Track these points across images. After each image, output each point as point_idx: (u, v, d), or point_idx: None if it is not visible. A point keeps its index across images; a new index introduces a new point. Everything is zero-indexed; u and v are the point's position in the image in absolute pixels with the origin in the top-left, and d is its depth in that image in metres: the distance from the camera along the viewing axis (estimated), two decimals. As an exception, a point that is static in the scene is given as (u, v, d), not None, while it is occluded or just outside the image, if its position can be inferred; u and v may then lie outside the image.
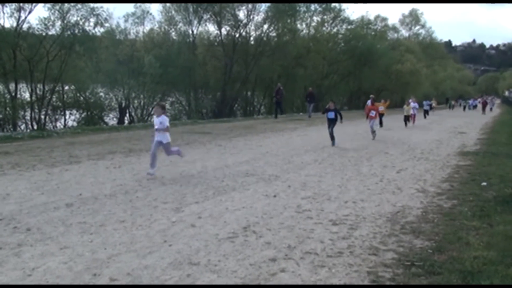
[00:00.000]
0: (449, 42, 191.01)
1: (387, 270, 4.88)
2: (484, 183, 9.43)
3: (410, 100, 28.30)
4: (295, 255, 5.27)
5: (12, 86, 27.29)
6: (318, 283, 4.57)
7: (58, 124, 31.21)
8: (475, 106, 64.53)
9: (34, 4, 27.39)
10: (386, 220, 6.78)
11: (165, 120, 9.77)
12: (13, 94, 27.16)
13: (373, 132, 17.95)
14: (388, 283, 4.58)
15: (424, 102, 38.84)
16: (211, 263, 4.98)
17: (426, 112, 36.62)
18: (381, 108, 23.37)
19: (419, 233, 6.16)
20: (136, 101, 37.98)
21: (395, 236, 6.04)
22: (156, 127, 9.77)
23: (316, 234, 6.04)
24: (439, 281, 4.59)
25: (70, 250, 5.21)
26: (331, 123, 15.52)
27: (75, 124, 31.38)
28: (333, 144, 15.29)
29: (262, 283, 4.52)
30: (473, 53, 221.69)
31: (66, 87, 32.22)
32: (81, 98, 33.29)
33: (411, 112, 26.70)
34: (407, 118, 25.90)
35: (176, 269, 4.79)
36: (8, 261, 4.87)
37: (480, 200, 8.04)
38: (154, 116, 10.08)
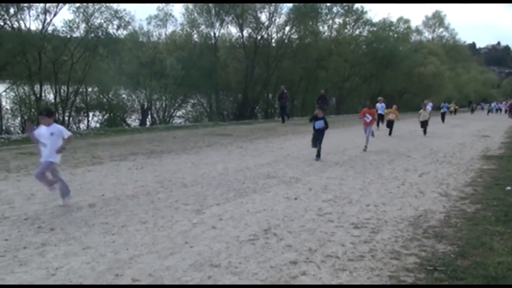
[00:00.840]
0: (473, 45, 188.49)
1: (409, 275, 4.83)
2: (509, 188, 9.29)
3: (426, 102, 25.64)
4: (316, 258, 5.25)
5: (37, 87, 27.71)
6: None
7: (82, 125, 31.60)
8: (498, 110, 62.28)
9: (59, 6, 27.79)
10: (408, 224, 6.72)
11: (61, 130, 7.24)
12: (38, 95, 27.57)
13: (368, 140, 15.25)
14: (410, 288, 4.54)
15: (442, 105, 35.29)
16: (232, 265, 4.99)
17: (442, 116, 33.29)
18: (392, 115, 20.84)
19: (441, 237, 6.09)
20: (158, 103, 38.24)
21: (417, 240, 5.98)
22: (41, 140, 7.11)
23: (337, 238, 6.02)
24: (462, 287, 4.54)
25: (93, 250, 5.27)
26: (319, 135, 12.73)
27: (98, 125, 31.72)
28: (317, 159, 12.54)
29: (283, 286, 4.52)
30: (498, 55, 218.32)
31: (90, 89, 32.61)
32: (104, 99, 33.67)
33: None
34: (424, 124, 21.22)
35: (197, 270, 4.81)
36: (33, 260, 4.94)
37: (504, 205, 7.92)
38: (41, 127, 7.24)
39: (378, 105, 23.06)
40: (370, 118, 15.40)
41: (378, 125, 22.74)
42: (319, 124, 12.59)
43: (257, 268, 4.92)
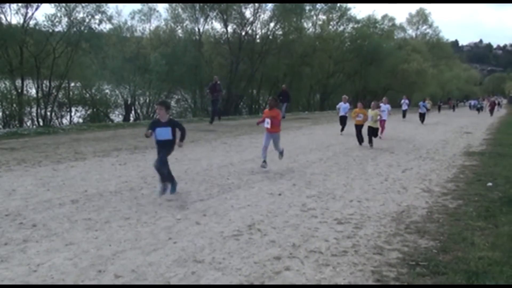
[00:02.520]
0: (456, 42, 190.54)
1: (392, 270, 4.87)
2: (490, 184, 9.40)
3: (384, 100, 20.77)
4: (299, 254, 5.27)
5: (18, 82, 27.37)
6: (323, 282, 4.56)
7: (64, 120, 31.28)
8: (478, 108, 55.19)
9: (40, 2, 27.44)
10: (391, 220, 6.77)
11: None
12: (20, 90, 27.24)
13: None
14: (392, 282, 4.58)
15: (420, 103, 30.46)
16: (215, 260, 4.98)
17: (422, 116, 29.12)
18: (360, 116, 15.62)
19: (424, 233, 6.15)
20: (141, 98, 38.02)
21: (400, 235, 6.03)
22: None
23: (320, 233, 6.04)
24: (443, 281, 4.58)
25: (75, 247, 5.23)
26: (163, 148, 7.93)
27: (81, 120, 31.43)
28: (161, 189, 7.82)
29: (267, 281, 4.53)
30: (480, 53, 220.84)
31: (72, 84, 32.29)
32: (87, 95, 33.36)
33: (379, 118, 16.01)
34: (372, 132, 15.45)
35: (180, 266, 4.80)
36: (14, 257, 4.89)
37: (485, 200, 8.01)
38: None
39: (342, 104, 19.28)
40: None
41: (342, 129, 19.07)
42: (162, 133, 7.78)
43: (240, 264, 4.92)
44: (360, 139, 15.66)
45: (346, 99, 19.69)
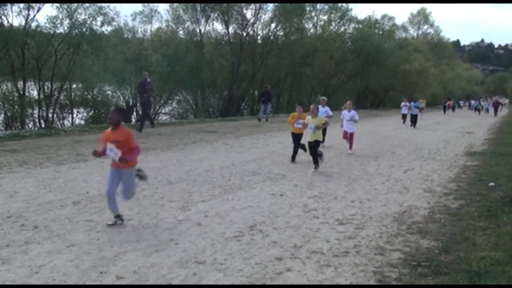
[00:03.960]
0: (457, 42, 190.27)
1: (393, 270, 4.87)
2: (492, 184, 9.39)
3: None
4: (301, 255, 5.27)
5: (20, 84, 27.39)
6: (324, 282, 4.56)
7: (66, 122, 31.25)
8: (478, 109, 51.66)
9: (42, 3, 27.47)
10: (393, 220, 6.77)
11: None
12: (21, 92, 27.25)
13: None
14: (394, 283, 4.57)
15: (412, 104, 26.52)
16: (217, 261, 4.98)
17: (414, 119, 25.24)
18: (299, 123, 11.74)
19: (425, 233, 6.14)
20: (143, 100, 37.98)
21: (401, 236, 6.02)
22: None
23: (322, 234, 6.04)
24: (445, 281, 4.57)
25: (77, 248, 5.23)
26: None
27: (82, 122, 31.43)
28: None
29: (268, 282, 4.53)
30: (482, 52, 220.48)
31: (74, 86, 32.27)
32: (89, 96, 33.36)
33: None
34: (313, 147, 10.93)
35: (182, 267, 4.80)
36: (16, 259, 4.90)
37: (487, 200, 8.01)
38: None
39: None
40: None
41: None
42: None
43: (242, 265, 4.92)
44: (294, 154, 12.03)
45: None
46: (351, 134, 14.32)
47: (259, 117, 25.96)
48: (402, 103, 28.08)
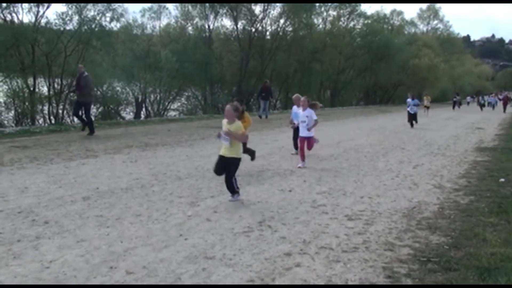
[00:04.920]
0: (468, 37, 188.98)
1: (403, 266, 4.85)
2: (502, 179, 9.32)
3: (303, 100, 11.01)
4: (310, 250, 5.27)
5: (30, 80, 27.58)
6: (333, 278, 4.56)
7: (75, 118, 31.48)
8: (481, 105, 48.27)
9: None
10: (402, 216, 6.75)
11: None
12: (32, 88, 27.44)
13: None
14: (403, 279, 4.56)
15: (409, 101, 22.57)
16: (226, 257, 4.99)
17: (412, 118, 22.11)
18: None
19: (435, 229, 6.12)
20: (152, 96, 38.19)
21: (411, 231, 6.00)
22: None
23: (331, 229, 6.03)
24: (455, 278, 4.56)
25: (87, 243, 5.27)
26: None
27: (92, 118, 31.62)
28: None
29: (277, 277, 4.53)
30: (492, 48, 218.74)
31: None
32: (98, 92, 33.56)
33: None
34: (227, 167, 7.45)
35: (191, 262, 4.81)
36: (27, 254, 4.93)
37: (497, 196, 7.95)
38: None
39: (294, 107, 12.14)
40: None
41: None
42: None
43: (251, 260, 4.93)
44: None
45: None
46: (309, 141, 10.76)
47: (259, 114, 24.68)
48: (409, 99, 23.09)
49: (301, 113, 10.86)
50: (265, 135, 16.46)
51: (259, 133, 16.90)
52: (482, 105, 48.35)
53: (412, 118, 21.92)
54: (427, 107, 32.27)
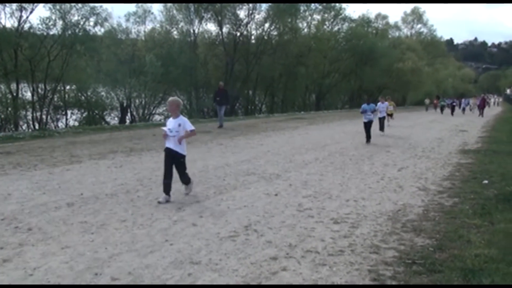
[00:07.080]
0: (451, 40, 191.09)
1: (388, 268, 4.87)
2: (486, 181, 9.42)
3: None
4: (296, 254, 5.27)
5: (13, 86, 27.33)
6: (319, 281, 4.57)
7: (60, 123, 31.24)
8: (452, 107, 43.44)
9: (35, 3, 27.41)
10: (387, 218, 6.78)
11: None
12: (15, 94, 27.20)
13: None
14: (389, 281, 4.58)
15: (365, 107, 16.58)
16: (212, 262, 4.98)
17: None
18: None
19: (420, 231, 6.16)
20: (137, 101, 38.01)
21: (396, 234, 6.04)
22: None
23: (317, 233, 6.04)
24: (440, 279, 4.59)
25: (71, 250, 5.22)
26: None
27: (76, 123, 31.39)
28: None
29: (263, 282, 4.52)
30: (475, 51, 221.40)
31: (68, 87, 32.26)
32: (83, 97, 33.38)
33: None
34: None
35: (177, 268, 4.79)
36: (10, 261, 4.87)
37: (481, 198, 8.03)
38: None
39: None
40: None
41: None
42: None
43: (237, 265, 4.92)
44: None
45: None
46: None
47: (220, 123, 21.04)
48: (379, 104, 19.50)
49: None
50: (250, 139, 16.46)
51: (244, 137, 16.91)
52: (442, 107, 43.54)
53: (368, 128, 16.40)
54: (390, 115, 24.36)
